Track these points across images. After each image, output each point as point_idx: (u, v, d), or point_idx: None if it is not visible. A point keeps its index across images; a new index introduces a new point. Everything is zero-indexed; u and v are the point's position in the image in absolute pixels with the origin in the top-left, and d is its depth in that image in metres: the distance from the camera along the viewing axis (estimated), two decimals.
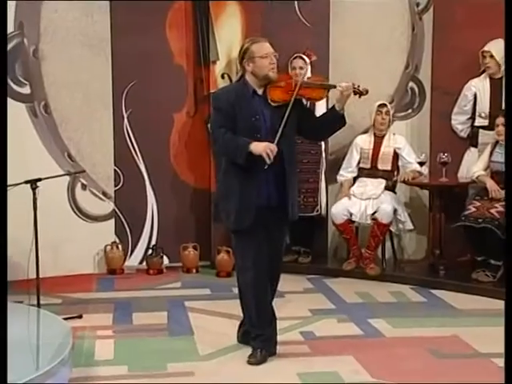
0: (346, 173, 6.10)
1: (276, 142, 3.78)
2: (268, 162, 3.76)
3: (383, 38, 6.34)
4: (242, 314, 4.18)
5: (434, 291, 5.49)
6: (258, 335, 4.00)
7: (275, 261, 4.07)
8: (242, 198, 3.87)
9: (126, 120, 6.15)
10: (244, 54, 3.92)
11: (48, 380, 3.26)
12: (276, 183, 3.92)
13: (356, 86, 3.91)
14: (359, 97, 3.91)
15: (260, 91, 3.94)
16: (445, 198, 5.78)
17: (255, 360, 3.94)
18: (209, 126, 4.03)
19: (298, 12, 6.20)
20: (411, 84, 6.41)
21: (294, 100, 3.83)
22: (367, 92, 4.02)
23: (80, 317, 4.79)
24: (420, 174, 5.90)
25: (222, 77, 6.22)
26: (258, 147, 3.77)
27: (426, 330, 4.57)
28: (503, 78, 5.53)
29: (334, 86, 3.96)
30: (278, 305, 5.10)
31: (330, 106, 4.38)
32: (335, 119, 3.97)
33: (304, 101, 4.25)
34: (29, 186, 4.64)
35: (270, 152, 3.74)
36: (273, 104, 3.90)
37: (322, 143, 6.13)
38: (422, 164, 5.91)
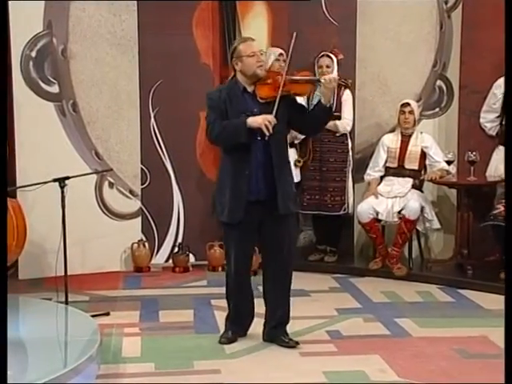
0: (373, 172, 6.08)
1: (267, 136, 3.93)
2: (267, 133, 3.87)
3: (411, 36, 6.30)
4: (266, 312, 4.26)
5: (461, 291, 5.44)
6: (233, 319, 4.29)
7: (278, 254, 4.13)
8: (233, 193, 4.03)
9: (152, 119, 6.18)
10: (233, 54, 4.09)
11: (76, 376, 3.30)
12: (265, 178, 4.03)
13: (341, 79, 3.98)
14: (344, 89, 3.96)
15: (250, 89, 4.06)
16: (473, 197, 5.74)
17: (226, 340, 4.24)
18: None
19: (325, 10, 6.18)
20: (439, 82, 6.35)
21: (279, 96, 3.93)
22: (351, 84, 4.11)
23: (107, 314, 4.82)
24: (448, 172, 5.86)
25: None
26: (256, 120, 3.90)
27: (453, 330, 4.54)
28: None
29: (319, 80, 4.08)
30: (304, 304, 5.17)
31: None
32: (322, 112, 4.05)
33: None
34: (57, 184, 4.68)
35: (268, 123, 3.86)
36: (261, 101, 4.01)
37: (349, 142, 6.13)
38: (449, 163, 5.86)
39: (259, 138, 3.95)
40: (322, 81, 3.98)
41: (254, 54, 4.01)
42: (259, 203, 4.05)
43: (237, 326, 4.31)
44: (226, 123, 4.01)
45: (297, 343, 4.18)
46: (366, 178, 6.10)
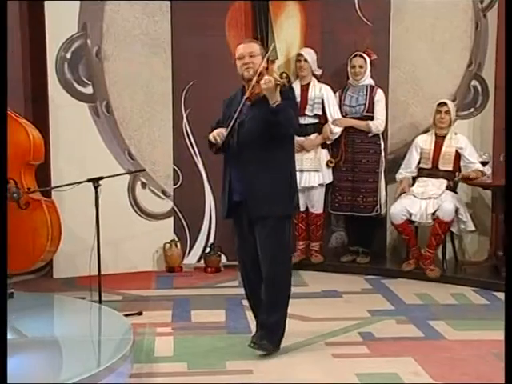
0: (404, 172, 6.04)
1: (227, 131, 3.97)
2: (217, 144, 3.98)
3: (445, 36, 6.26)
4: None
5: (496, 293, 5.38)
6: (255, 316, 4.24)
7: (262, 260, 4.03)
8: (222, 192, 4.16)
9: (185, 119, 6.21)
10: None
11: (110, 375, 3.33)
12: (242, 179, 4.00)
13: (279, 78, 3.88)
14: (282, 87, 3.86)
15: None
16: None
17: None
18: None
19: (358, 10, 6.16)
20: (474, 82, 6.31)
21: (245, 98, 3.95)
22: (289, 81, 4.08)
23: (140, 314, 4.85)
24: (483, 173, 5.80)
25: (281, 76, 6.22)
26: (212, 133, 4.01)
27: (488, 332, 4.49)
28: None
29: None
30: (337, 305, 5.17)
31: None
32: (270, 113, 3.89)
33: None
34: (91, 184, 4.72)
35: (215, 135, 3.97)
36: (248, 102, 4.01)
37: (381, 142, 6.10)
38: (484, 164, 5.81)
39: (214, 151, 4.05)
40: (261, 82, 3.88)
41: (242, 55, 3.99)
42: (238, 204, 4.04)
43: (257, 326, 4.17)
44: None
45: (264, 349, 4.03)
46: (398, 176, 6.07)
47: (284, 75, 3.85)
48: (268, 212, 3.98)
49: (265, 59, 4.01)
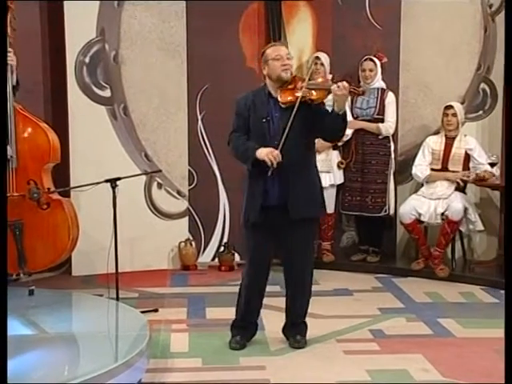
0: (419, 165, 6.04)
1: (280, 146, 3.88)
2: (271, 166, 3.88)
3: (455, 40, 6.30)
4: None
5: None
6: (238, 322, 4.26)
7: (290, 261, 4.14)
8: (250, 196, 4.08)
9: (199, 121, 6.28)
10: (262, 58, 4.06)
11: (126, 370, 3.37)
12: (280, 183, 3.98)
13: (353, 87, 3.90)
14: (357, 96, 3.87)
15: (275, 94, 4.00)
16: None
17: (236, 345, 4.17)
18: None
19: (369, 14, 6.23)
20: (483, 85, 6.35)
21: (299, 102, 3.86)
22: (364, 92, 4.04)
23: (156, 310, 4.91)
24: (492, 175, 5.86)
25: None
26: (262, 153, 3.90)
27: (497, 330, 4.43)
28: None
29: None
30: (347, 303, 5.21)
31: None
32: (335, 120, 3.93)
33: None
34: (109, 184, 4.77)
35: (272, 158, 3.86)
36: (283, 106, 3.96)
37: (391, 144, 6.15)
38: (493, 165, 5.86)
39: (269, 174, 3.92)
40: (333, 88, 3.87)
41: (280, 56, 3.95)
42: (274, 208, 4.02)
43: (241, 330, 4.25)
44: (239, 143, 4.03)
45: (305, 343, 4.22)
46: (419, 176, 6.00)
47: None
48: (308, 214, 4.04)
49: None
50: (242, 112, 4.07)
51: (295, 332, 4.25)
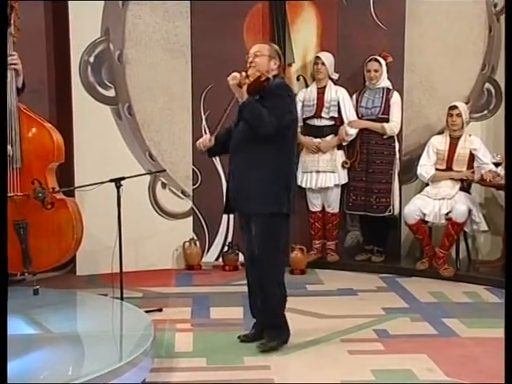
0: (423, 165, 6.03)
1: (215, 134, 4.28)
2: (202, 150, 4.25)
3: (459, 39, 6.30)
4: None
5: None
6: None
7: (250, 257, 4.19)
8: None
9: (204, 121, 6.30)
10: None
11: (131, 369, 3.38)
12: (233, 176, 4.13)
13: (243, 77, 3.96)
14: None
15: None
16: None
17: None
18: None
19: (374, 14, 6.23)
20: (487, 85, 6.35)
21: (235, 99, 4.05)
22: (267, 79, 4.01)
23: (160, 310, 4.92)
24: (497, 174, 5.85)
25: (298, 79, 6.33)
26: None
27: (501, 330, 4.37)
28: None
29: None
30: (352, 302, 5.21)
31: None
32: (239, 113, 4.07)
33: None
34: (113, 184, 4.76)
35: (200, 143, 4.25)
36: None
37: (396, 144, 6.16)
38: (497, 165, 5.85)
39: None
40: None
41: (248, 56, 4.10)
42: (232, 200, 4.13)
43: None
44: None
45: (271, 349, 4.12)
46: (424, 175, 6.00)
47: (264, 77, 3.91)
48: (252, 209, 4.02)
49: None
50: None
51: (265, 334, 4.20)
